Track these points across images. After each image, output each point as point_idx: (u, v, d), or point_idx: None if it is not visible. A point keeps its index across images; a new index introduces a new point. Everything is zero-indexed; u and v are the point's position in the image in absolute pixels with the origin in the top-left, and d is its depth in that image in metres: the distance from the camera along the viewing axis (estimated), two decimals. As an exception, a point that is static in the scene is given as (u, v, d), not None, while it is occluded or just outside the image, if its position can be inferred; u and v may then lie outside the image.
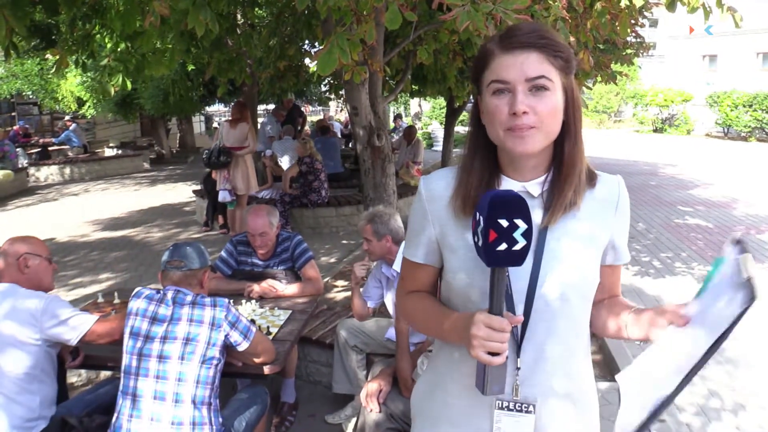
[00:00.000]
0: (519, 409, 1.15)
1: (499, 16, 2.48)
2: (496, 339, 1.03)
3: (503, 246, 1.00)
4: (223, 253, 3.44)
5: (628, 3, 3.58)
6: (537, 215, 1.15)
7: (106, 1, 4.16)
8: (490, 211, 1.00)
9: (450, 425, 1.24)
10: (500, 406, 1.15)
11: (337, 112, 25.99)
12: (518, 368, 1.15)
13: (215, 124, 24.00)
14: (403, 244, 2.98)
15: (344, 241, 7.14)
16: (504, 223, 1.00)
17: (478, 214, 1.04)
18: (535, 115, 1.07)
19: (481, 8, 2.45)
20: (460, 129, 17.46)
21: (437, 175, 1.25)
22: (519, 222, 1.00)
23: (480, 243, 1.03)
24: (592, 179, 1.19)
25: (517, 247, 1.01)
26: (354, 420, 3.07)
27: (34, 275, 2.44)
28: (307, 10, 5.02)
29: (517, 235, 1.00)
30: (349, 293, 4.42)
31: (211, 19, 2.87)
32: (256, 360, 2.41)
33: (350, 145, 12.44)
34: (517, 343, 1.15)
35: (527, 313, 1.14)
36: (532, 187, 1.16)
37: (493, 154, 1.18)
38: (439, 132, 18.48)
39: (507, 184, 1.17)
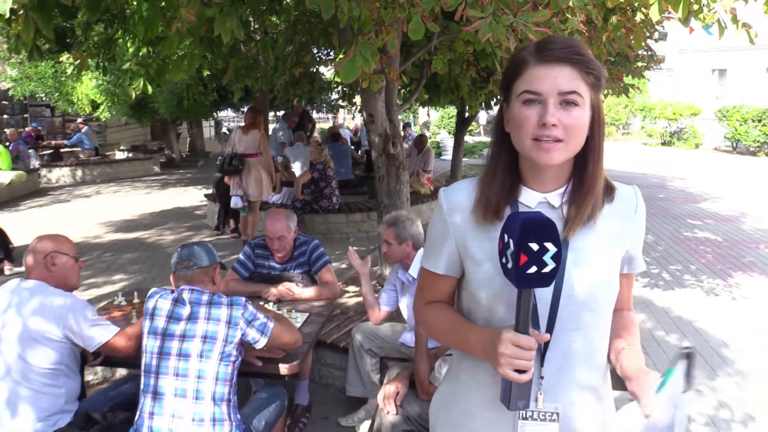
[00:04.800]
0: (543, 417, 1.18)
1: (520, 29, 2.54)
2: (523, 357, 1.06)
3: (533, 269, 1.03)
4: (241, 256, 3.49)
5: (643, 17, 3.63)
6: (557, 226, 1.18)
7: (129, 7, 4.25)
8: (522, 235, 1.02)
9: None
10: (524, 416, 1.18)
11: (346, 119, 26.08)
12: (542, 377, 1.18)
13: (224, 129, 24.11)
14: (421, 249, 3.04)
15: (355, 248, 7.16)
16: (534, 246, 1.02)
17: (506, 236, 1.06)
18: (563, 128, 1.09)
19: (503, 21, 2.50)
20: (469, 139, 17.40)
21: (457, 186, 1.27)
22: (549, 245, 1.03)
23: (510, 266, 1.05)
24: (610, 192, 1.22)
25: (546, 270, 1.03)
26: (367, 422, 3.10)
27: (61, 273, 2.48)
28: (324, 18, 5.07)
29: (546, 258, 1.03)
30: (361, 299, 4.45)
31: (237, 26, 2.94)
32: (282, 349, 2.50)
33: (359, 152, 12.50)
34: (542, 353, 1.17)
35: (551, 323, 1.17)
36: (552, 198, 1.19)
37: (515, 163, 1.20)
38: (447, 141, 18.50)
39: (527, 193, 1.20)
